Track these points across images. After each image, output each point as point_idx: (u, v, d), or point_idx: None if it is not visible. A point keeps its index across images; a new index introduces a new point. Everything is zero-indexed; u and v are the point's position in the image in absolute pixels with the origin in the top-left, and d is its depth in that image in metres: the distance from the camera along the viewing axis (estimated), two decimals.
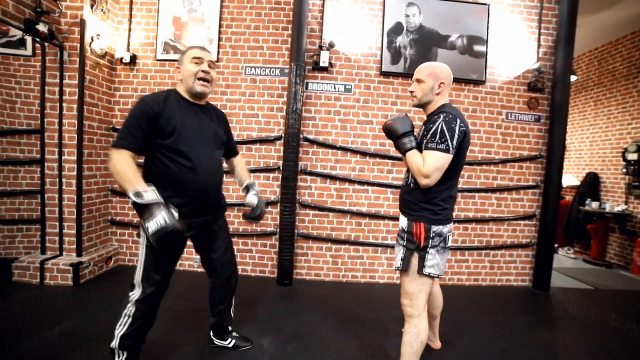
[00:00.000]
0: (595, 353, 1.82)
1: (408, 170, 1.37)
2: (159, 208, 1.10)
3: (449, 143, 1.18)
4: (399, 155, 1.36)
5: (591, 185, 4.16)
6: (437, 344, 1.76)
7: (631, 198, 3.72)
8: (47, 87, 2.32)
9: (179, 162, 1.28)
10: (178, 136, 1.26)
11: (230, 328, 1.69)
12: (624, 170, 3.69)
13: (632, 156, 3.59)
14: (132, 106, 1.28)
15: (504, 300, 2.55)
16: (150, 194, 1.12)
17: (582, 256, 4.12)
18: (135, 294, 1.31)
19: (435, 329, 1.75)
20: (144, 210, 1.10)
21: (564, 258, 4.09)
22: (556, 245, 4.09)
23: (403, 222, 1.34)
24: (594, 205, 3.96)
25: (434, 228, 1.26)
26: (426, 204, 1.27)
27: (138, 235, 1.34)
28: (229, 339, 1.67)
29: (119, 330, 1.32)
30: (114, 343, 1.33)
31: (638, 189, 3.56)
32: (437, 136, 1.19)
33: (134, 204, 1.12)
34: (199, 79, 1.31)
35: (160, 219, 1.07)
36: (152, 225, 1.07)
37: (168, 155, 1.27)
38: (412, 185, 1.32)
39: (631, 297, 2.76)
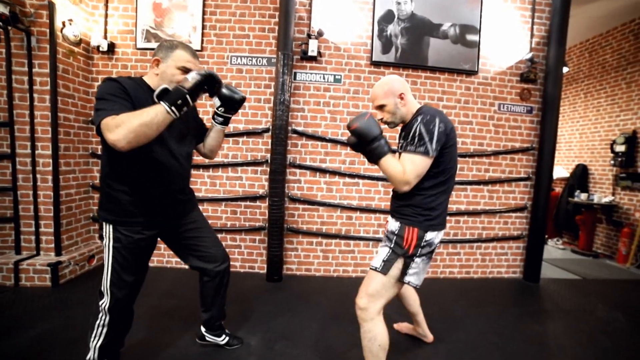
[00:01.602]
0: (584, 344, 1.83)
1: None
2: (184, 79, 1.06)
3: (428, 146, 1.11)
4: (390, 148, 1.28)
5: (580, 177, 4.20)
6: (429, 338, 1.74)
7: (618, 189, 3.76)
8: (15, 76, 2.16)
9: (145, 158, 1.16)
10: None
11: (223, 324, 1.65)
12: (612, 162, 3.72)
13: (619, 148, 3.62)
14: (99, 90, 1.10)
15: (495, 292, 2.56)
16: (161, 87, 1.05)
17: (570, 247, 4.18)
18: (105, 301, 1.22)
19: (422, 323, 1.72)
20: (179, 92, 1.02)
21: (553, 249, 4.15)
22: (546, 236, 4.14)
23: (394, 225, 1.25)
24: (583, 196, 4.01)
25: (427, 237, 1.19)
26: (423, 209, 1.19)
27: (101, 237, 1.24)
28: (223, 336, 1.62)
29: (95, 342, 1.23)
30: (91, 355, 1.24)
31: (625, 180, 3.61)
32: (416, 139, 1.12)
33: (170, 100, 1.01)
34: None
35: (192, 74, 1.06)
36: (194, 76, 1.05)
37: (133, 152, 1.05)
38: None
39: (616, 286, 2.81)
